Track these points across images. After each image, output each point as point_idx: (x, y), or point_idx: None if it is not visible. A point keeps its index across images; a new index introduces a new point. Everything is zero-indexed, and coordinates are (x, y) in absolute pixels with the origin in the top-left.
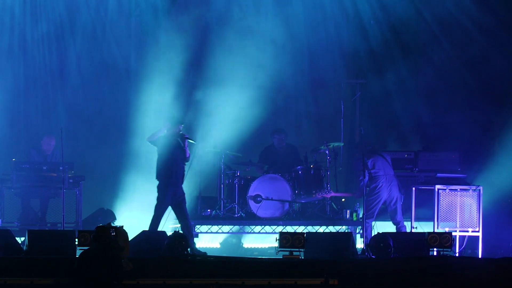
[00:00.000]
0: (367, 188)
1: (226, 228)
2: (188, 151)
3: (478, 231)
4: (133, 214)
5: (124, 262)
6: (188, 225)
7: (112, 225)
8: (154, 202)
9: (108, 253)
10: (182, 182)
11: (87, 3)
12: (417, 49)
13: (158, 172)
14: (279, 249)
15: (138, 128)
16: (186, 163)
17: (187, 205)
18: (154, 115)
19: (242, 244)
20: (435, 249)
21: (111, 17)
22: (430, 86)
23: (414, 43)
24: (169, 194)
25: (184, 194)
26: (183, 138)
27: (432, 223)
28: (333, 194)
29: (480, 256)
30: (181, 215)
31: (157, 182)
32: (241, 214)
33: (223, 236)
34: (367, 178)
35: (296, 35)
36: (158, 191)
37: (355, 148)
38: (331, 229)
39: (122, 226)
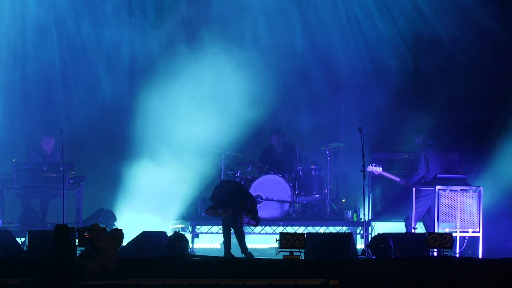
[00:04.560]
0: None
1: None
2: None
3: (479, 232)
4: (134, 215)
5: (88, 264)
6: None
7: (101, 225)
8: (154, 202)
9: (61, 254)
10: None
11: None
12: (417, 49)
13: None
14: (279, 250)
15: (139, 128)
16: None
17: (187, 206)
18: (155, 115)
19: None
20: (435, 249)
21: (110, 16)
22: (430, 86)
23: (415, 43)
24: None
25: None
26: None
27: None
28: (383, 173)
29: (480, 257)
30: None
31: None
32: None
33: None
34: (423, 172)
35: (297, 35)
36: None
37: (422, 144)
38: (332, 229)
39: (105, 227)
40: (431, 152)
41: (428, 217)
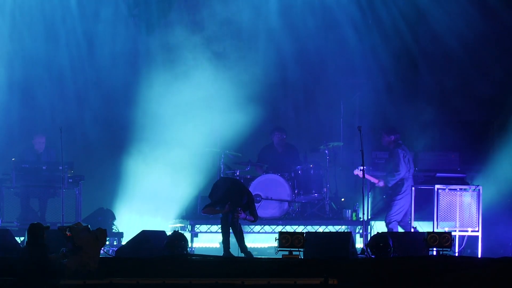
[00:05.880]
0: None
1: None
2: None
3: (478, 231)
4: (133, 214)
5: (68, 262)
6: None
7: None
8: (153, 201)
9: (35, 253)
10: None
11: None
12: (417, 50)
13: None
14: (278, 249)
15: (139, 128)
16: None
17: (187, 205)
18: (155, 114)
19: None
20: (434, 249)
21: (111, 15)
22: (430, 86)
23: (415, 43)
24: None
25: None
26: None
27: (431, 222)
28: (367, 176)
29: (479, 256)
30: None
31: None
32: None
33: None
34: (404, 171)
35: (297, 35)
36: None
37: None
38: (331, 229)
39: (87, 226)
40: (408, 151)
41: (404, 218)
